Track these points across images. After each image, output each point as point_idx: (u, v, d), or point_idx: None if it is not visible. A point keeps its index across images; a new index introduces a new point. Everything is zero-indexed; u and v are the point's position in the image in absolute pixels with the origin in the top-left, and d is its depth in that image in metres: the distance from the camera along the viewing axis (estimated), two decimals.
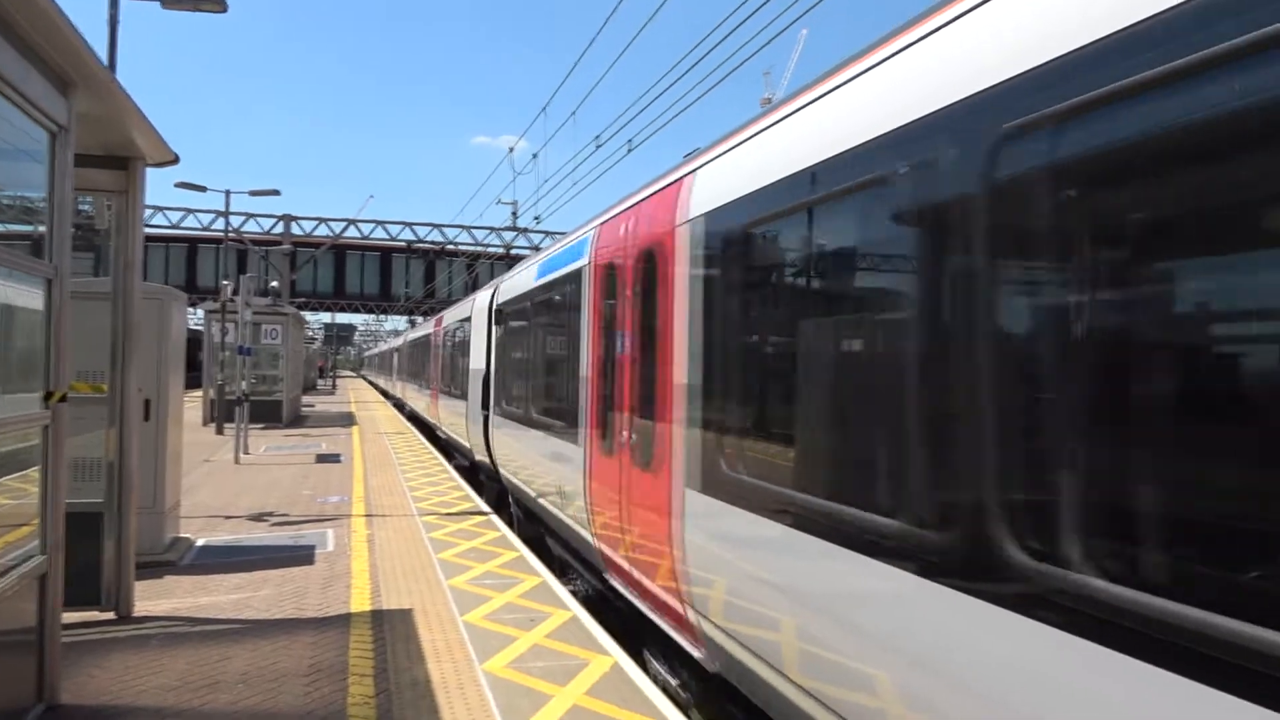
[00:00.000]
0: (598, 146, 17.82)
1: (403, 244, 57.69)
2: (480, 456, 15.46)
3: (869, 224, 4.17)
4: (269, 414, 27.03)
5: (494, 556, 9.89)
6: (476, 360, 15.50)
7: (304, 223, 52.24)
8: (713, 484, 5.40)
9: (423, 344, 29.15)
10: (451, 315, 21.85)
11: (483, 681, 6.00)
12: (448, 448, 22.18)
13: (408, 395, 36.29)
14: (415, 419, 32.40)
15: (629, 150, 17.17)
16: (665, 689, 6.35)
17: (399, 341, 48.00)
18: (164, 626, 7.17)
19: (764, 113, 5.43)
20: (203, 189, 29.14)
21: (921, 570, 3.39)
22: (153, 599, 7.89)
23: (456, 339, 19.56)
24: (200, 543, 10.33)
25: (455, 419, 18.89)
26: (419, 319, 53.99)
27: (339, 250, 58.31)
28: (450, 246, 56.43)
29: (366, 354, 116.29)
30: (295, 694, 5.74)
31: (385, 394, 56.18)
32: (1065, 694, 2.76)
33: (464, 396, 17.05)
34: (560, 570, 10.20)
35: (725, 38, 11.21)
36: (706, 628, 5.63)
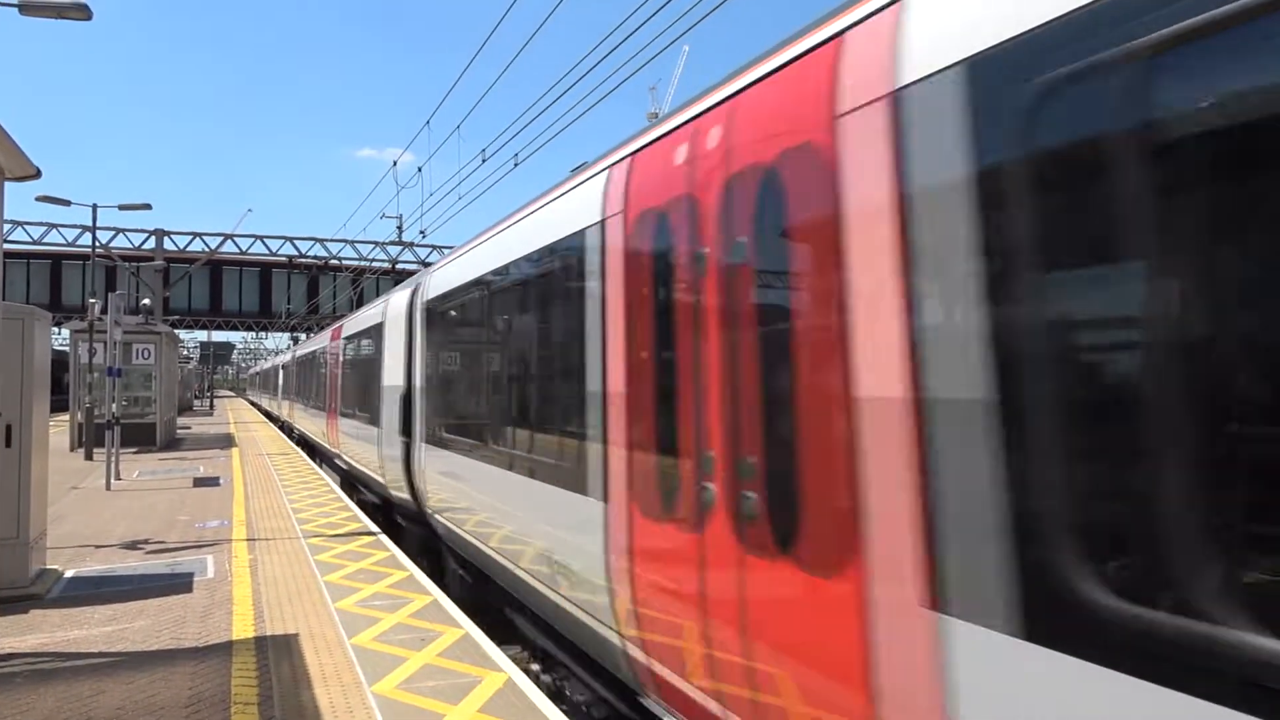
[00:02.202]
0: (484, 160, 17.76)
1: (284, 259, 56.07)
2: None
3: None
4: (142, 437, 25.94)
5: (383, 577, 9.73)
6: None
7: (178, 238, 50.37)
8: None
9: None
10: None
11: (372, 704, 5.92)
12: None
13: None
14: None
15: (515, 164, 17.17)
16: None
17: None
18: (30, 663, 6.83)
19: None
20: (67, 203, 27.72)
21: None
22: (18, 635, 7.50)
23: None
24: (69, 574, 9.85)
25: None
26: (303, 335, 52.55)
27: (215, 266, 56.24)
28: (334, 261, 55.15)
29: (251, 371, 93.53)
30: None
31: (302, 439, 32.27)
32: None
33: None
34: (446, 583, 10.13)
35: (610, 52, 11.35)
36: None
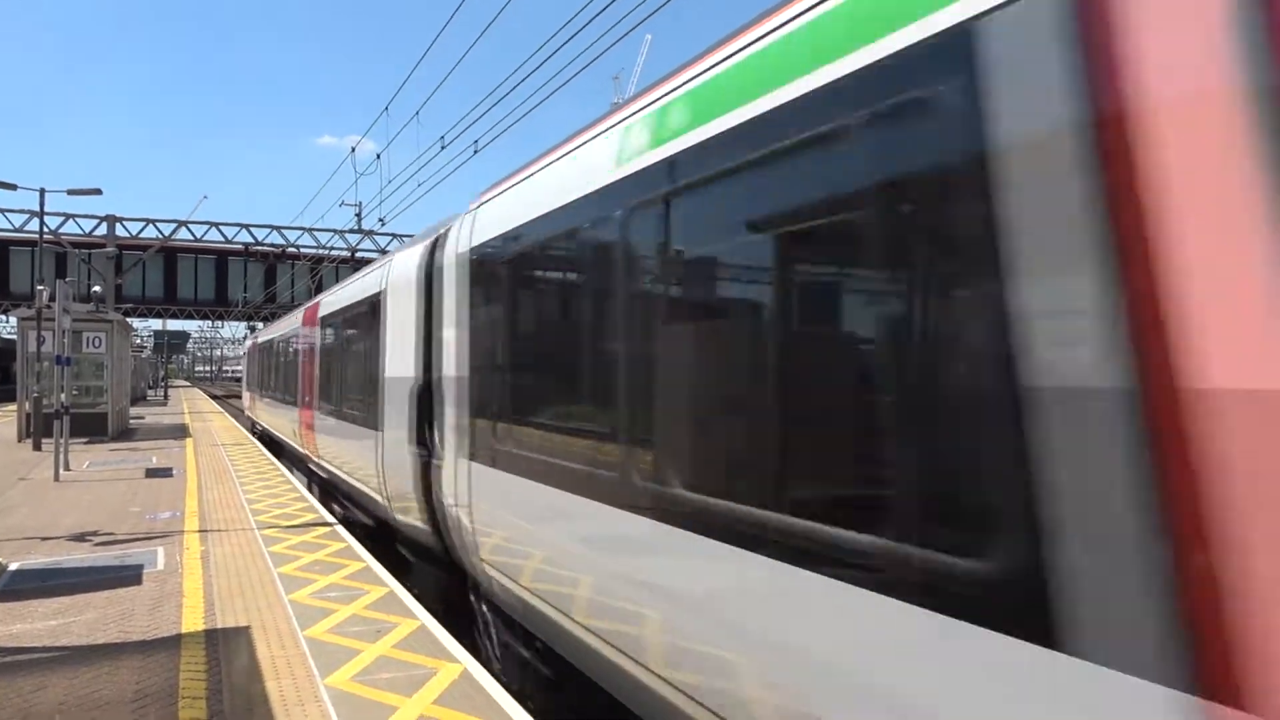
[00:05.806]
0: (443, 147, 17.56)
1: (240, 246, 55.23)
2: None
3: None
4: (93, 427, 25.40)
5: (339, 568, 9.60)
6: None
7: (130, 224, 49.33)
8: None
9: None
10: None
11: (325, 697, 5.81)
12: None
13: None
14: None
15: (475, 151, 17.02)
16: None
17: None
18: None
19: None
20: (13, 187, 27.04)
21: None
22: None
23: None
24: (14, 567, 9.61)
25: None
26: (259, 324, 51.74)
27: (169, 253, 55.25)
28: (292, 249, 54.41)
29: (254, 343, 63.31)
30: None
31: None
32: None
33: None
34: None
35: (569, 40, 11.26)
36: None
